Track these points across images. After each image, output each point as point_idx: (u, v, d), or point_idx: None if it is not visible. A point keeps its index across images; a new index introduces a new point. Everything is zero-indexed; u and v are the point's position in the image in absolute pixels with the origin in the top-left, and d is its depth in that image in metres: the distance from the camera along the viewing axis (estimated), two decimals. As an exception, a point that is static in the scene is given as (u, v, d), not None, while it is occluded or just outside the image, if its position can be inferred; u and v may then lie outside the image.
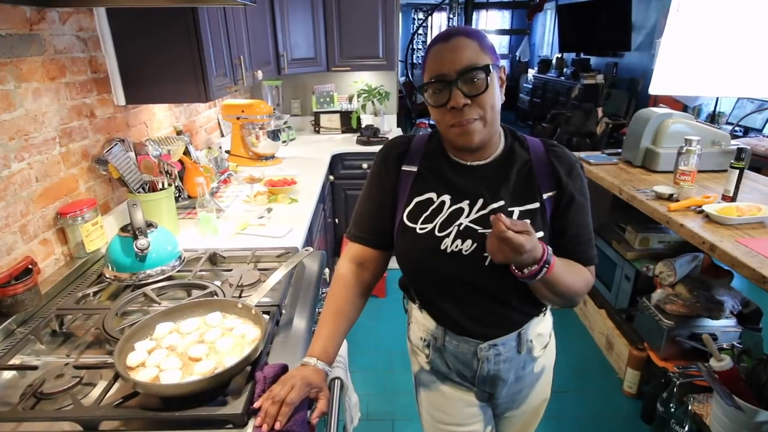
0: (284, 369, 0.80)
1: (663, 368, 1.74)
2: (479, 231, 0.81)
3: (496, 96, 0.78)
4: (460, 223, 0.82)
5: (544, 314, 0.94)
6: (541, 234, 0.80)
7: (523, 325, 0.90)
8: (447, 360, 0.94)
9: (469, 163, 0.85)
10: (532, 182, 0.83)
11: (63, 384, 0.80)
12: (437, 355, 0.95)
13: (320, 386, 0.77)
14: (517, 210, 0.82)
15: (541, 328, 0.93)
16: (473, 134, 0.78)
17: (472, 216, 0.82)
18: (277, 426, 0.69)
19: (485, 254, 0.79)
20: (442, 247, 0.83)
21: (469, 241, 0.82)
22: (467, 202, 0.83)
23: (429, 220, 0.84)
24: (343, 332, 0.87)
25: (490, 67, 0.76)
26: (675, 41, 2.27)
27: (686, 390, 1.58)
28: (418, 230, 0.85)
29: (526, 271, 0.74)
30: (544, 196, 0.82)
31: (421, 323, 0.96)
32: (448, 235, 0.83)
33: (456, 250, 0.82)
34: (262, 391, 0.75)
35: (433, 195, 0.85)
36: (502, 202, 0.82)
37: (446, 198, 0.84)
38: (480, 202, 0.83)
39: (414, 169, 0.88)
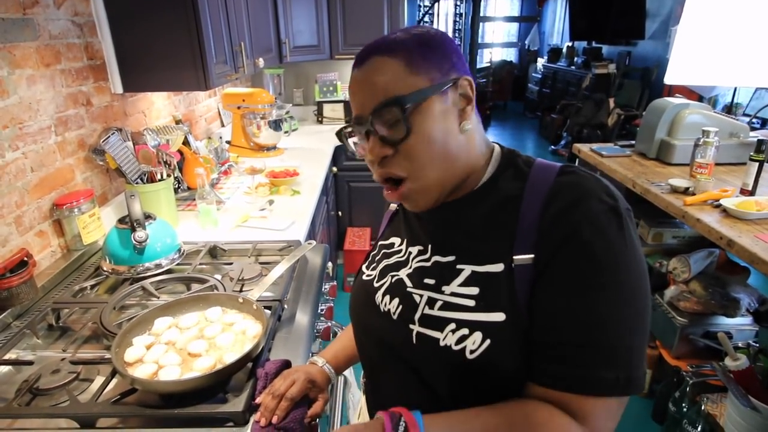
0: (286, 364, 0.79)
1: (675, 367, 1.70)
2: (407, 289, 0.59)
3: (435, 138, 0.53)
4: (396, 275, 0.62)
5: None
6: (498, 317, 0.50)
7: None
8: None
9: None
10: (506, 231, 0.53)
11: (59, 380, 0.79)
12: None
13: (321, 387, 0.74)
14: (468, 269, 0.54)
15: None
16: (412, 200, 0.56)
17: (412, 268, 0.60)
18: (274, 420, 0.66)
19: (410, 325, 0.56)
20: (377, 302, 0.62)
21: (396, 300, 0.59)
22: (418, 248, 0.61)
23: (376, 266, 0.66)
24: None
25: (417, 94, 0.51)
26: (692, 29, 2.19)
27: (699, 389, 1.55)
28: (364, 277, 0.67)
29: None
30: (517, 258, 0.51)
31: (362, 410, 0.75)
32: (381, 287, 0.63)
33: (385, 309, 0.60)
34: (263, 387, 0.74)
35: (396, 239, 0.67)
36: (452, 257, 0.56)
37: (404, 244, 0.65)
38: (429, 250, 0.60)
39: (394, 207, 0.73)
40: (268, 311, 0.93)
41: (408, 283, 0.60)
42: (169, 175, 1.46)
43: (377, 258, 0.68)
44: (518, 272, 0.50)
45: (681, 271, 1.80)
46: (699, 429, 1.48)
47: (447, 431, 0.48)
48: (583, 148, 2.38)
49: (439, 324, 0.53)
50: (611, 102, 4.71)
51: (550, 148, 5.74)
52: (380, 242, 0.71)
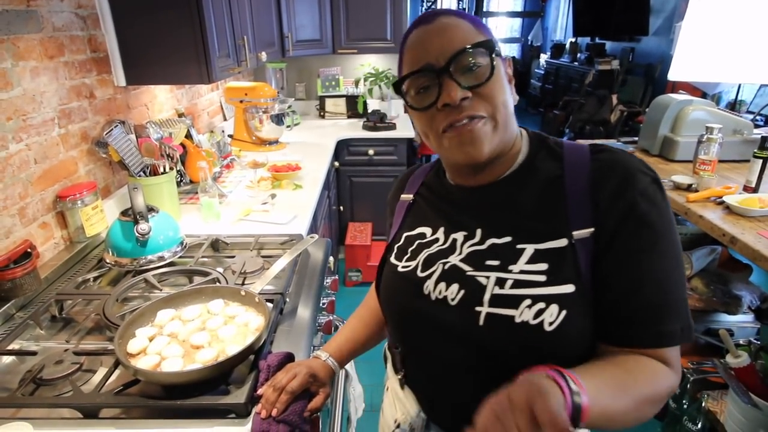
0: (288, 357, 0.79)
1: (676, 363, 1.70)
2: (467, 273, 0.58)
3: (506, 90, 0.58)
4: (447, 261, 0.61)
5: None
6: (569, 289, 0.53)
7: None
8: None
9: (471, 185, 0.63)
10: (558, 208, 0.56)
11: (62, 370, 0.79)
12: None
13: (323, 381, 0.74)
14: (530, 248, 0.56)
15: None
16: (480, 141, 0.56)
17: (464, 253, 0.60)
18: (274, 413, 0.67)
19: (477, 308, 0.56)
20: (425, 291, 0.61)
21: (455, 286, 0.59)
22: (463, 234, 0.62)
23: (414, 256, 0.65)
24: (363, 341, 0.81)
25: (494, 45, 0.56)
26: (696, 25, 2.17)
27: (700, 386, 1.55)
28: (399, 268, 0.66)
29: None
30: (577, 233, 0.54)
31: (400, 401, 0.71)
32: (430, 276, 0.62)
33: (440, 297, 0.60)
34: (266, 379, 0.74)
35: (426, 229, 0.66)
36: (507, 238, 0.58)
37: (440, 232, 0.64)
38: (478, 234, 0.60)
39: (409, 197, 0.72)
40: (270, 304, 0.94)
41: (466, 267, 0.59)
42: (171, 168, 1.46)
43: (410, 249, 0.67)
44: (578, 246, 0.54)
45: (683, 268, 1.79)
46: (699, 426, 1.48)
47: (589, 380, 0.46)
48: (586, 145, 2.38)
49: (513, 302, 0.54)
50: (614, 98, 4.69)
51: (553, 144, 5.71)
52: (405, 233, 0.70)
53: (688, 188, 1.69)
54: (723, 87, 3.66)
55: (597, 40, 5.89)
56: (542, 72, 7.32)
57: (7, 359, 0.86)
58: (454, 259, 0.61)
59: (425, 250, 0.65)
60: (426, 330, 0.62)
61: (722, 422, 1.42)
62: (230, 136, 2.37)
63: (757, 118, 3.49)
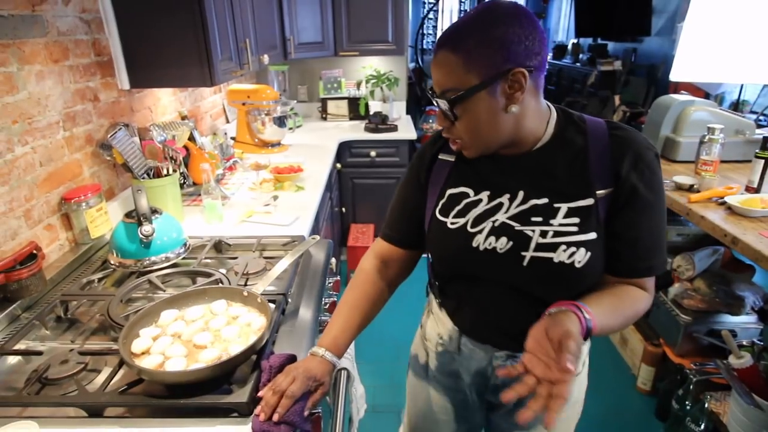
0: (290, 359, 0.79)
1: (679, 365, 1.70)
2: (516, 228, 0.73)
3: (480, 120, 0.68)
4: (496, 220, 0.75)
5: None
6: (593, 236, 0.70)
7: None
8: (458, 365, 0.89)
9: (509, 155, 0.75)
10: (585, 174, 0.71)
11: (68, 370, 0.80)
12: (448, 358, 0.90)
13: (321, 380, 0.75)
14: (564, 207, 0.71)
15: None
16: (466, 150, 0.74)
17: (511, 212, 0.74)
18: (275, 417, 0.68)
19: (523, 253, 0.72)
20: (474, 245, 0.75)
21: (504, 239, 0.73)
22: (507, 196, 0.75)
23: (461, 214, 0.77)
24: (357, 326, 0.84)
25: (468, 91, 0.65)
26: (698, 25, 2.17)
27: (703, 387, 1.55)
28: (449, 224, 0.78)
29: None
30: (599, 193, 0.70)
31: (439, 319, 0.91)
32: (480, 232, 0.75)
33: (490, 248, 0.74)
34: (268, 380, 0.75)
35: (468, 190, 0.78)
36: (545, 199, 0.72)
37: (484, 194, 0.76)
38: (520, 196, 0.74)
39: (451, 159, 0.81)
40: (272, 305, 0.94)
41: (514, 224, 0.74)
42: (175, 171, 1.47)
43: (457, 207, 0.78)
44: (600, 202, 0.71)
45: (685, 269, 1.79)
46: (702, 427, 1.47)
47: (596, 308, 0.66)
48: (588, 146, 2.37)
49: (553, 247, 0.71)
50: (617, 99, 4.68)
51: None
52: (448, 191, 0.80)
53: (690, 189, 1.68)
54: (725, 87, 3.64)
55: (599, 41, 5.88)
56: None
57: (14, 359, 0.87)
58: (501, 217, 0.75)
59: (473, 210, 0.77)
60: (473, 273, 0.79)
61: (725, 423, 1.42)
62: (233, 138, 2.38)
63: (760, 118, 3.47)
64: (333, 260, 1.35)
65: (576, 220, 0.70)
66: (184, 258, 1.20)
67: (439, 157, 0.82)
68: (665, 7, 4.58)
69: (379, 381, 1.96)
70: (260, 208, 1.58)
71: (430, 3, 7.30)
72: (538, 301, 0.72)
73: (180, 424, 0.71)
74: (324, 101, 3.11)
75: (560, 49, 6.93)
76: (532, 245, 0.72)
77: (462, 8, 7.66)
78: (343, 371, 0.95)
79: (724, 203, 1.54)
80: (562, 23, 7.48)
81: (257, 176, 1.86)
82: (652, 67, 4.68)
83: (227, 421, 0.71)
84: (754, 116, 3.41)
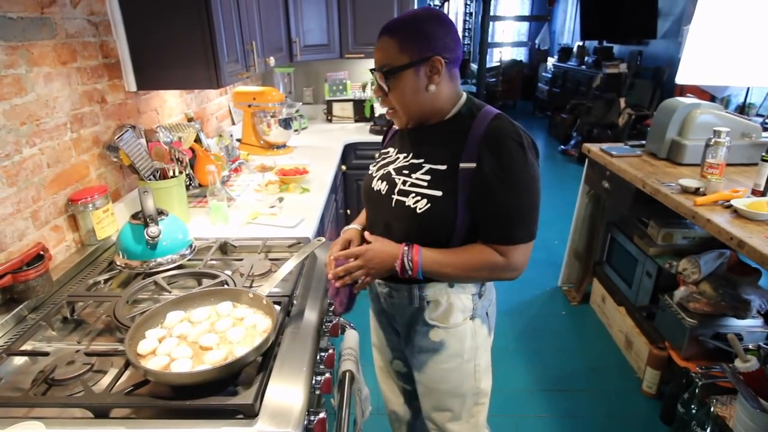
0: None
1: (684, 368, 1.68)
2: (393, 176, 0.96)
3: (406, 93, 0.89)
4: (387, 170, 0.98)
5: (451, 286, 0.96)
6: (438, 193, 0.88)
7: (416, 282, 0.96)
8: (373, 290, 1.12)
9: (422, 126, 0.96)
10: (456, 148, 0.88)
11: (74, 371, 0.80)
12: (371, 287, 1.12)
13: (356, 241, 1.02)
14: (427, 167, 0.91)
15: (441, 298, 0.97)
16: (397, 120, 0.96)
17: (396, 165, 0.97)
18: (330, 276, 0.96)
19: (392, 196, 0.94)
20: (373, 185, 0.99)
21: (385, 183, 0.96)
22: (404, 155, 0.97)
23: (377, 166, 1.03)
24: None
25: (398, 68, 0.86)
26: (704, 28, 2.16)
27: (709, 391, 1.53)
28: (369, 171, 1.04)
29: (397, 269, 0.90)
30: (462, 165, 0.87)
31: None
32: (376, 177, 0.99)
33: (376, 189, 0.98)
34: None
35: (392, 150, 1.02)
36: (421, 160, 0.93)
37: (396, 153, 1.00)
38: (410, 156, 0.96)
39: (395, 128, 1.06)
40: (277, 306, 0.94)
41: (393, 173, 0.97)
42: (181, 172, 1.48)
43: (379, 161, 1.04)
44: (462, 173, 0.87)
45: (691, 272, 1.77)
46: (708, 431, 1.46)
47: (437, 256, 0.90)
48: (593, 148, 2.36)
49: (407, 194, 0.92)
50: (622, 102, 4.67)
51: (560, 147, 5.69)
52: (382, 151, 1.07)
53: (696, 192, 1.67)
54: (732, 90, 3.62)
55: (605, 44, 5.86)
56: (549, 76, 7.28)
57: (20, 360, 0.87)
58: (390, 168, 0.98)
59: (381, 162, 1.02)
60: (371, 207, 1.02)
61: (731, 427, 1.40)
62: (238, 140, 2.39)
63: (767, 121, 3.45)
64: (337, 262, 1.36)
65: (428, 177, 0.90)
66: (189, 259, 1.20)
67: (393, 127, 1.07)
68: (671, 10, 4.57)
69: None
70: (266, 209, 1.59)
71: (436, 5, 7.31)
72: (403, 240, 0.93)
73: (185, 426, 0.71)
74: (329, 103, 3.12)
75: (566, 52, 6.91)
76: (396, 189, 0.93)
77: (467, 10, 7.66)
78: (347, 373, 0.95)
79: (730, 206, 1.53)
80: (567, 26, 7.47)
81: (263, 178, 1.87)
82: (657, 70, 4.66)
83: (233, 422, 0.71)
84: (761, 119, 3.39)
